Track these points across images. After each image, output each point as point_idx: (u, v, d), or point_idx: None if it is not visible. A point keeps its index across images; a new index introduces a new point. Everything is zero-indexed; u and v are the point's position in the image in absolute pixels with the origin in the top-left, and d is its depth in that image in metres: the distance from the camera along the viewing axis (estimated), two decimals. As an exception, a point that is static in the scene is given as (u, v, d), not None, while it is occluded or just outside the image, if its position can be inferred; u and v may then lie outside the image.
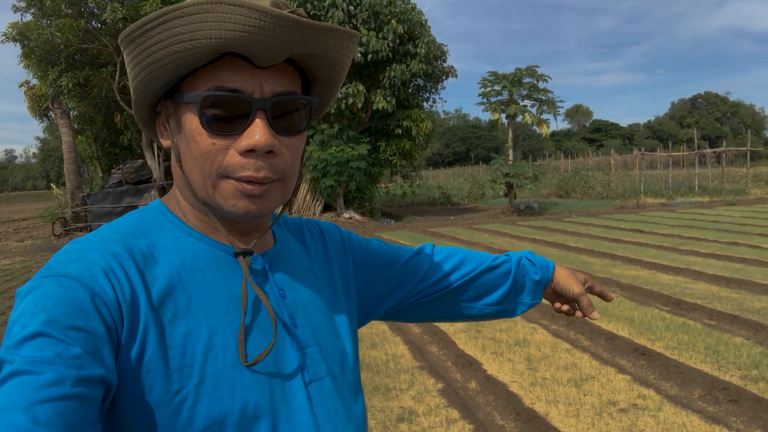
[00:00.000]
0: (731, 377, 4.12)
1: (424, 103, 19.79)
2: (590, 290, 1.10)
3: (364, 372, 4.56)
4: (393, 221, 18.42)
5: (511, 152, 22.12)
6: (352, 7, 16.81)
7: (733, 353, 4.57)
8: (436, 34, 18.27)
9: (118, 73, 16.25)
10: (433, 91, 19.68)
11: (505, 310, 1.07)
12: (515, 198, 19.58)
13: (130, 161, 20.67)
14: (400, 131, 18.10)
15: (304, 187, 17.84)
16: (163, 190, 16.43)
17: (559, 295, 1.09)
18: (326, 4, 16.65)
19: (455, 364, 4.75)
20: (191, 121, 0.70)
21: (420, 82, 19.09)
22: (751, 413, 3.57)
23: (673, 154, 26.14)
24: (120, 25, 15.10)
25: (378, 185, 21.95)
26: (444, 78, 19.32)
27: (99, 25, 16.45)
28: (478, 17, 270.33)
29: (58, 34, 15.28)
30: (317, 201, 18.06)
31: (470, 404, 3.94)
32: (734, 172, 28.01)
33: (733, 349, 4.67)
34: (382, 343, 5.33)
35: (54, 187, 22.24)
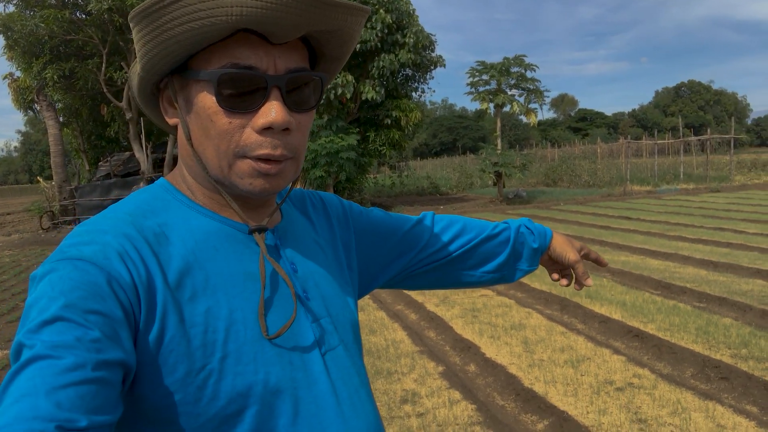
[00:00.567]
0: (722, 356, 4.25)
1: (413, 93, 19.82)
2: (586, 257, 1.12)
3: (366, 357, 4.64)
4: (383, 211, 18.47)
5: (499, 141, 22.23)
6: (340, -3, 16.72)
7: (722, 333, 4.71)
8: (423, 24, 18.28)
9: (104, 65, 16.07)
10: (422, 81, 19.71)
11: (503, 276, 1.09)
12: (504, 187, 19.71)
13: (118, 153, 20.49)
14: (389, 121, 18.12)
15: (293, 178, 17.80)
16: (151, 182, 16.31)
17: (555, 262, 1.11)
18: (314, -7, 16.55)
19: (454, 348, 4.85)
20: (205, 99, 0.70)
21: (409, 72, 19.10)
22: (741, 389, 3.71)
23: (658, 142, 26.43)
24: (105, 15, 14.92)
25: (367, 176, 21.97)
26: (432, 68, 19.34)
27: (84, 16, 16.22)
28: (464, 7, 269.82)
29: (42, 25, 15.06)
30: (307, 192, 18.02)
31: (471, 386, 4.04)
32: (718, 159, 28.40)
33: (723, 329, 4.81)
34: (381, 330, 5.42)
35: (41, 180, 21.99)
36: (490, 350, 4.66)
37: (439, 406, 3.69)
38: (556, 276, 1.12)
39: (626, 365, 4.19)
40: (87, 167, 21.92)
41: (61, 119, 19.02)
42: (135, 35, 0.71)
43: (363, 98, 17.28)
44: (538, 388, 3.87)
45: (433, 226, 1.04)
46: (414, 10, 17.99)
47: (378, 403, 3.73)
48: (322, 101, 0.82)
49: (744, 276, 6.67)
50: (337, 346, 0.79)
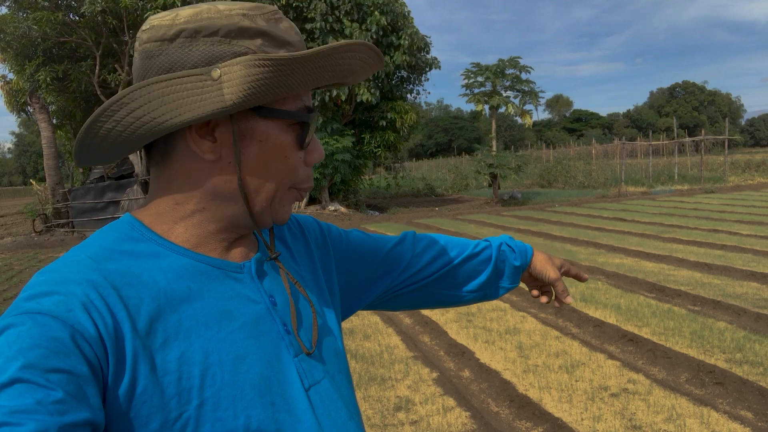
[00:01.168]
0: (716, 360, 4.25)
1: (408, 95, 19.82)
2: (566, 273, 1.12)
3: (359, 363, 4.62)
4: (378, 213, 18.48)
5: (494, 143, 22.25)
6: (334, -1, 16.73)
7: (717, 338, 4.71)
8: (418, 25, 18.29)
9: (97, 67, 16.01)
10: (417, 82, 19.71)
11: (486, 294, 1.08)
12: (499, 188, 19.73)
13: (111, 156, 20.36)
14: (384, 123, 18.12)
15: (288, 180, 17.78)
16: (145, 185, 16.25)
17: (535, 279, 1.11)
18: (309, -5, 16.55)
19: (448, 353, 4.83)
20: (280, 136, 0.72)
21: (404, 73, 19.10)
22: (736, 395, 3.70)
23: (653, 143, 26.50)
24: (99, 17, 14.86)
25: (362, 177, 21.96)
26: (427, 69, 19.36)
27: (77, 18, 16.17)
28: (459, 8, 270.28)
29: (35, 27, 14.99)
30: (302, 194, 18.01)
31: (465, 392, 4.02)
32: (712, 160, 28.54)
33: (717, 333, 4.81)
34: (375, 335, 5.39)
35: (34, 182, 21.87)
36: (484, 355, 4.64)
37: (432, 413, 3.67)
38: (535, 292, 1.12)
39: (621, 370, 4.18)
40: (80, 169, 21.82)
41: (54, 121, 18.92)
42: (253, 71, 0.65)
43: (358, 100, 17.27)
44: (533, 395, 3.85)
45: (414, 246, 1.02)
46: (409, 12, 18.00)
47: (371, 411, 3.71)
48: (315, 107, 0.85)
49: (738, 278, 6.68)
50: (322, 379, 0.76)
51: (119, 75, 16.12)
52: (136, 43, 0.71)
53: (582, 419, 3.48)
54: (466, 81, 22.16)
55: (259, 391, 0.69)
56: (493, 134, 22.65)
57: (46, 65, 15.89)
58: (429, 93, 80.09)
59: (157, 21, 0.69)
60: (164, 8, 14.00)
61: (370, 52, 0.74)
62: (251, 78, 0.66)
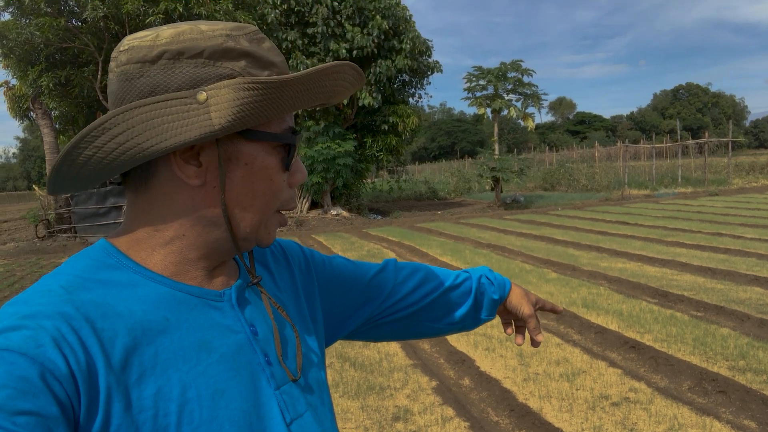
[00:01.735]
0: (719, 368, 4.19)
1: (410, 99, 19.81)
2: (542, 308, 1.13)
3: (358, 371, 4.58)
4: (380, 217, 18.44)
5: (497, 146, 22.22)
6: (336, 3, 16.74)
7: (720, 344, 4.65)
8: (420, 28, 18.36)
9: (100, 72, 16.03)
10: (419, 86, 19.70)
11: (464, 326, 1.10)
12: (501, 192, 19.69)
13: (114, 161, 20.39)
14: (386, 127, 18.11)
15: (290, 185, 17.77)
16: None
17: (509, 313, 1.12)
18: (311, 0, 16.56)
19: (448, 361, 4.79)
20: (266, 158, 0.71)
21: (405, 77, 19.10)
22: (739, 404, 3.65)
23: (656, 145, 26.42)
24: (101, 23, 14.89)
25: (364, 181, 21.94)
26: (429, 73, 19.35)
27: (79, 24, 16.20)
28: (461, 10, 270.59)
29: (38, 33, 15.01)
30: (304, 198, 18.01)
31: (464, 401, 3.97)
32: (716, 162, 28.40)
33: (720, 340, 4.75)
34: (375, 342, 5.35)
35: (36, 188, 21.91)
36: (484, 363, 4.60)
37: (431, 423, 3.62)
38: (510, 331, 1.14)
39: (622, 378, 4.13)
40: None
41: (57, 127, 18.95)
42: (241, 94, 0.64)
43: (360, 104, 17.26)
44: (533, 404, 3.80)
45: (396, 275, 1.02)
46: (411, 15, 18.02)
47: (369, 421, 3.67)
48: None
49: (742, 283, 6.62)
50: (305, 412, 0.74)
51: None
52: (112, 64, 0.67)
53: (582, 429, 3.44)
54: (468, 84, 22.16)
55: (238, 427, 0.66)
56: (496, 137, 22.63)
57: (49, 71, 15.92)
58: (431, 96, 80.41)
59: (137, 42, 0.66)
60: (166, 14, 14.02)
61: (354, 72, 0.74)
62: (240, 101, 0.64)
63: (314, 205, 18.46)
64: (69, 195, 17.66)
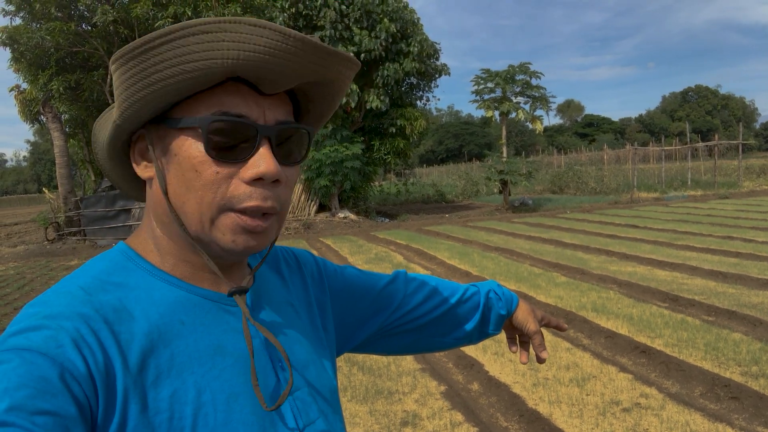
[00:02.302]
0: (732, 374, 4.14)
1: (418, 102, 19.81)
2: (547, 325, 1.13)
3: (366, 375, 4.57)
4: (388, 220, 18.42)
5: (505, 149, 22.16)
6: (344, 7, 16.78)
7: (732, 349, 4.60)
8: (427, 31, 18.37)
9: (109, 76, 16.14)
10: (427, 89, 19.70)
11: (470, 340, 1.10)
12: (509, 195, 19.62)
13: (123, 164, 20.50)
14: (393, 130, 18.11)
15: (298, 188, 17.80)
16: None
17: (515, 328, 1.12)
18: (318, 3, 16.61)
19: (457, 365, 4.76)
20: (190, 148, 0.64)
21: (413, 80, 19.10)
22: (753, 410, 3.60)
23: (665, 148, 26.24)
24: (111, 27, 15.00)
25: (372, 184, 21.94)
26: (437, 76, 19.34)
27: (89, 28, 16.32)
28: (469, 13, 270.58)
29: (48, 37, 15.15)
30: (312, 201, 18.03)
31: (473, 406, 3.95)
32: (726, 164, 28.16)
33: (733, 345, 4.70)
34: (384, 356, 5.33)
35: (46, 191, 22.07)
36: (494, 368, 4.57)
37: (440, 428, 3.60)
38: (515, 349, 1.14)
39: (633, 384, 4.09)
40: (92, 178, 22.01)
41: (67, 130, 19.09)
42: (116, 79, 0.65)
43: (368, 107, 17.28)
44: (543, 409, 3.77)
45: (406, 286, 1.02)
46: (418, 18, 18.02)
47: (377, 426, 3.65)
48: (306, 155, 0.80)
49: (754, 288, 6.55)
50: (317, 419, 0.74)
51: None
52: None
53: (593, 435, 3.40)
54: (476, 87, 22.12)
55: (252, 431, 0.67)
56: (504, 140, 22.56)
57: (59, 75, 16.05)
58: (439, 99, 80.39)
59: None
60: (174, 18, 14.10)
61: (251, 28, 0.60)
62: (120, 83, 0.65)
63: (322, 207, 18.48)
64: (78, 198, 17.80)
